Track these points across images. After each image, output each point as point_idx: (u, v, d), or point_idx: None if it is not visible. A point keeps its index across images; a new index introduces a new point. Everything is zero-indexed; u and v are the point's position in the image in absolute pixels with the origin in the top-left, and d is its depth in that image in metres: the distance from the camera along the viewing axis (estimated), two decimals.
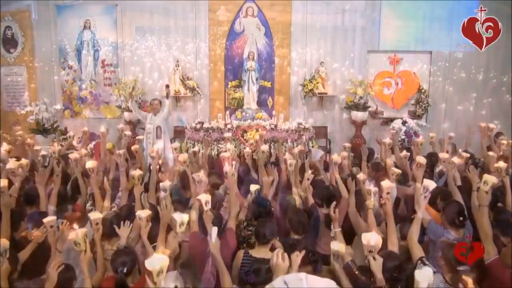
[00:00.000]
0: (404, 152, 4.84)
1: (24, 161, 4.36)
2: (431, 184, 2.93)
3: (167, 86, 6.81)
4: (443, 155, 4.46)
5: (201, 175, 3.71)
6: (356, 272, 2.52)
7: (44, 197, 3.77)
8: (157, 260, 2.11)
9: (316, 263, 2.62)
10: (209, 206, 3.02)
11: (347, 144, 5.64)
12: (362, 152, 5.08)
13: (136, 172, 3.74)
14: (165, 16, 8.20)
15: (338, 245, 2.61)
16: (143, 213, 2.89)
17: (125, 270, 2.51)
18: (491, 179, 2.96)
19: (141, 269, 2.68)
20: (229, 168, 3.93)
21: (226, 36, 8.21)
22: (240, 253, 3.04)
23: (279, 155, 5.50)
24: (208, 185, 4.46)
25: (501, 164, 3.92)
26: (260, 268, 2.40)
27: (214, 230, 2.67)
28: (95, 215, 2.93)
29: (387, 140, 5.38)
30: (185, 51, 8.29)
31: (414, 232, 2.80)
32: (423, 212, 2.99)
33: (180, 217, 2.81)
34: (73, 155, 4.46)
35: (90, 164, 3.98)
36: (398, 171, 4.06)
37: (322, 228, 3.66)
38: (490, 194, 2.98)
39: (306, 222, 3.36)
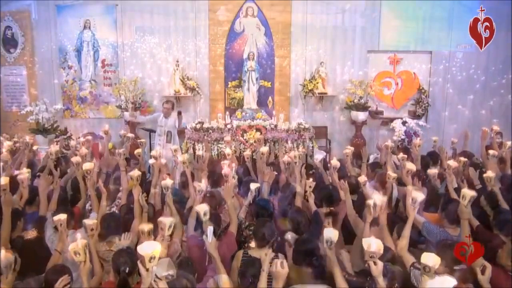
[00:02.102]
0: (401, 154, 4.83)
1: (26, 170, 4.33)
2: (419, 196, 2.93)
3: (179, 113, 6.85)
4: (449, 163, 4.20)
5: (202, 185, 3.75)
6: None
7: (45, 202, 3.73)
8: (149, 246, 2.11)
9: (317, 267, 2.61)
10: (208, 217, 2.99)
11: (348, 149, 5.34)
12: (362, 154, 5.08)
13: (134, 173, 3.75)
14: (165, 16, 8.19)
15: (331, 232, 2.53)
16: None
17: (127, 270, 2.51)
18: (469, 194, 2.94)
19: None
20: (228, 172, 3.97)
21: (226, 36, 8.20)
22: (240, 254, 3.04)
23: (280, 155, 5.49)
24: (208, 184, 4.48)
25: (490, 174, 3.84)
26: (257, 271, 2.40)
27: (209, 230, 2.66)
28: (90, 221, 2.90)
29: (389, 143, 5.33)
30: (185, 51, 8.28)
31: (404, 240, 2.81)
32: (414, 218, 3.00)
33: (168, 220, 2.82)
34: (75, 159, 4.43)
35: (87, 166, 3.97)
36: (394, 175, 4.06)
37: (322, 230, 3.65)
38: (469, 208, 2.97)
39: (306, 222, 3.36)
